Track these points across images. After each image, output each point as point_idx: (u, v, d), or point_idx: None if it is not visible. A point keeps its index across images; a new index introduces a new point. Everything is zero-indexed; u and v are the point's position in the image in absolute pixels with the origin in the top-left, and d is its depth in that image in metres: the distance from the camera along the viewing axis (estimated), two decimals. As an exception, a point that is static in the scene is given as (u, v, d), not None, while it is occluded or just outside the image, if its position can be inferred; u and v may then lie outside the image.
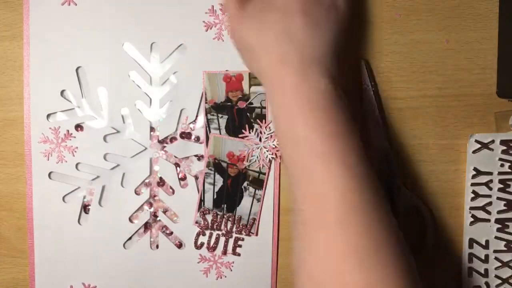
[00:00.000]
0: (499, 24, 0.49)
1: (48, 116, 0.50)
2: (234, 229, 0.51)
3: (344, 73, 0.43)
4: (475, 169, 0.50)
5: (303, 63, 0.40)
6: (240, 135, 0.51)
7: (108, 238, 0.51)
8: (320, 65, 0.40)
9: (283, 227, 0.52)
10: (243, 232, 0.51)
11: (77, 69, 0.50)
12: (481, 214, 0.51)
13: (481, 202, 0.51)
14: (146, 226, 0.52)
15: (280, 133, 0.42)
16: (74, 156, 0.50)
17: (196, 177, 0.51)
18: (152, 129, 0.51)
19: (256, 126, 0.51)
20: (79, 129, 0.51)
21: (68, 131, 0.50)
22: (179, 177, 0.51)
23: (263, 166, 0.51)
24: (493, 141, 0.50)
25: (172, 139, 0.51)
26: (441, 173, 0.51)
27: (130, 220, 0.51)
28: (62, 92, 0.50)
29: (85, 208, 0.51)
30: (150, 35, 0.50)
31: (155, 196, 0.52)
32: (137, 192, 0.51)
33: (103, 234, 0.51)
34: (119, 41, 0.50)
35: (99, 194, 0.51)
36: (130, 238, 0.52)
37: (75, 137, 0.50)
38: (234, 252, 0.52)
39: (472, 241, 0.51)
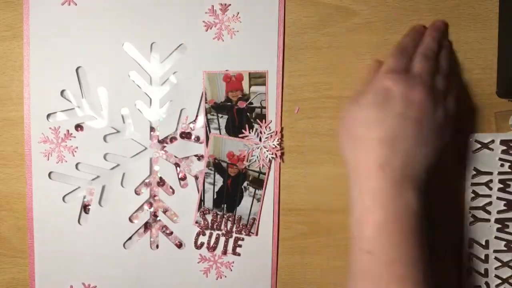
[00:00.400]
0: (499, 24, 0.49)
1: (48, 116, 0.50)
2: (234, 229, 0.51)
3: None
4: (475, 169, 0.50)
5: (401, 175, 0.40)
6: (240, 135, 0.51)
7: (108, 238, 0.51)
8: (415, 180, 0.41)
9: (283, 227, 0.52)
10: (243, 232, 0.51)
11: (77, 69, 0.50)
12: (481, 214, 0.51)
13: (481, 202, 0.51)
14: (146, 226, 0.52)
15: (357, 231, 0.42)
16: (74, 156, 0.50)
17: (196, 177, 0.51)
18: (152, 129, 0.51)
19: (256, 126, 0.51)
20: (79, 129, 0.51)
21: (68, 131, 0.50)
22: (179, 177, 0.51)
23: (263, 166, 0.51)
24: (493, 141, 0.50)
25: (172, 139, 0.51)
26: (441, 173, 0.51)
27: (130, 220, 0.51)
28: (62, 92, 0.50)
29: (85, 208, 0.51)
30: (150, 35, 0.50)
31: (155, 196, 0.52)
32: (137, 192, 0.51)
33: (103, 234, 0.51)
34: (119, 41, 0.50)
35: (99, 194, 0.51)
36: (130, 238, 0.52)
37: (75, 137, 0.50)
38: (234, 252, 0.52)
39: (472, 241, 0.51)
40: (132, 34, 0.50)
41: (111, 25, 0.50)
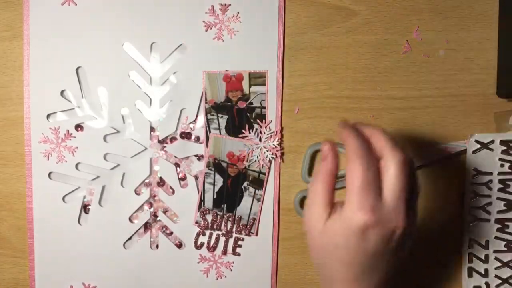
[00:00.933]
0: (499, 24, 0.49)
1: (48, 116, 0.50)
2: (234, 229, 0.51)
3: None
4: (475, 169, 0.50)
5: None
6: (240, 135, 0.51)
7: (108, 238, 0.51)
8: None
9: (283, 227, 0.52)
10: (243, 232, 0.51)
11: (77, 69, 0.50)
12: (481, 214, 0.51)
13: (481, 202, 0.51)
14: (146, 226, 0.52)
15: None
16: (74, 156, 0.50)
17: (196, 177, 0.51)
18: (152, 129, 0.51)
19: (256, 126, 0.51)
20: (79, 129, 0.51)
21: (68, 131, 0.50)
22: (179, 177, 0.51)
23: (263, 166, 0.51)
24: (493, 141, 0.50)
25: (172, 139, 0.51)
26: (441, 173, 0.51)
27: (130, 220, 0.51)
28: (62, 92, 0.50)
29: (85, 208, 0.51)
30: (150, 35, 0.50)
31: (155, 196, 0.52)
32: (137, 192, 0.51)
33: (103, 234, 0.51)
34: (119, 41, 0.50)
35: (99, 194, 0.51)
36: (130, 238, 0.52)
37: (75, 137, 0.50)
38: (234, 252, 0.52)
39: (472, 241, 0.51)
40: (132, 34, 0.50)
41: (111, 25, 0.50)
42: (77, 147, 0.50)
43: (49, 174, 0.51)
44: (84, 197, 0.51)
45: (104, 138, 0.51)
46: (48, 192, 0.51)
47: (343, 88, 0.51)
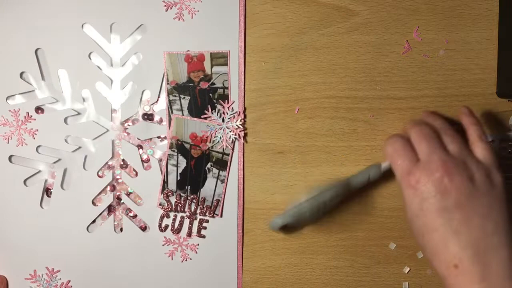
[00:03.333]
0: (499, 24, 0.49)
1: (7, 98, 0.50)
2: (198, 211, 0.51)
3: None
4: None
5: (482, 265, 0.36)
6: (202, 116, 0.50)
7: (71, 221, 0.51)
8: (501, 262, 0.37)
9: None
10: (207, 213, 0.51)
11: (36, 51, 0.50)
12: None
13: None
14: (110, 209, 0.51)
15: None
16: (34, 139, 0.50)
17: (160, 159, 0.51)
18: (113, 110, 0.51)
19: (218, 106, 0.50)
20: (39, 111, 0.50)
21: (28, 113, 0.50)
22: (142, 159, 0.51)
23: (226, 147, 0.51)
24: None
25: (134, 120, 0.51)
26: None
27: (93, 203, 0.51)
28: (21, 74, 0.50)
29: (47, 191, 0.51)
30: (109, 16, 0.50)
31: (118, 178, 0.51)
32: (99, 175, 0.51)
33: (66, 217, 0.51)
34: (78, 22, 0.49)
35: (61, 177, 0.51)
36: (93, 221, 0.51)
37: (35, 119, 0.50)
38: (199, 234, 0.51)
39: None
40: (91, 15, 0.49)
41: (70, 6, 0.49)
42: (37, 130, 0.50)
43: (9, 157, 0.50)
44: (46, 180, 0.51)
45: (65, 120, 0.50)
46: (8, 176, 0.50)
47: (343, 88, 0.50)
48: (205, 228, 0.51)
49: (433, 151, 0.41)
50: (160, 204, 0.51)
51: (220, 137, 0.50)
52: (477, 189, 0.39)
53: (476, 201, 0.38)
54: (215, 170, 0.51)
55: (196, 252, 0.51)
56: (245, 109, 0.51)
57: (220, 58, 0.50)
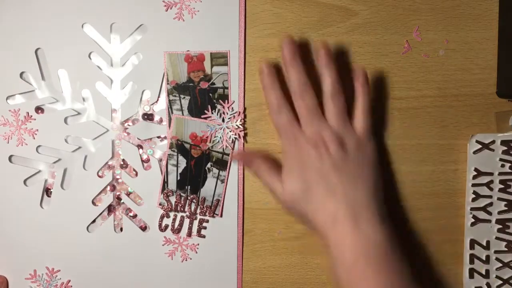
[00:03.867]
0: (499, 24, 0.49)
1: (7, 98, 0.50)
2: (198, 211, 0.51)
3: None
4: (475, 169, 0.50)
5: (354, 216, 0.43)
6: (202, 116, 0.50)
7: (71, 221, 0.51)
8: (370, 212, 0.44)
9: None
10: (207, 213, 0.51)
11: (36, 51, 0.50)
12: (482, 215, 0.50)
13: (482, 202, 0.50)
14: (110, 209, 0.51)
15: (340, 284, 0.43)
16: (34, 138, 0.50)
17: (160, 159, 0.51)
18: (113, 110, 0.51)
19: (218, 106, 0.50)
20: (39, 111, 0.50)
21: (28, 113, 0.50)
22: (142, 159, 0.51)
23: (226, 146, 0.51)
24: (493, 142, 0.50)
25: (134, 120, 0.51)
26: (441, 173, 0.51)
27: (93, 203, 0.51)
28: (21, 74, 0.50)
29: (47, 191, 0.51)
30: (109, 16, 0.50)
31: (118, 178, 0.51)
32: (99, 175, 0.51)
33: (66, 217, 0.51)
34: (78, 22, 0.49)
35: (61, 177, 0.51)
36: (93, 221, 0.51)
37: (35, 119, 0.50)
38: (199, 234, 0.51)
39: (473, 242, 0.50)
40: (91, 15, 0.49)
41: (70, 6, 0.49)
42: (37, 130, 0.50)
43: (10, 157, 0.50)
44: (46, 180, 0.51)
45: (65, 120, 0.50)
46: (8, 176, 0.50)
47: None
48: (205, 228, 0.51)
49: (315, 125, 0.46)
50: (160, 204, 0.51)
51: (220, 137, 0.50)
52: (348, 155, 0.45)
53: (348, 165, 0.45)
54: (215, 170, 0.51)
55: (196, 252, 0.51)
56: (245, 109, 0.51)
57: (220, 58, 0.50)
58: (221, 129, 0.50)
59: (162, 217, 0.51)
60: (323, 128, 0.46)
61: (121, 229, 0.51)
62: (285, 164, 0.46)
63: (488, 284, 0.51)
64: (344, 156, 0.45)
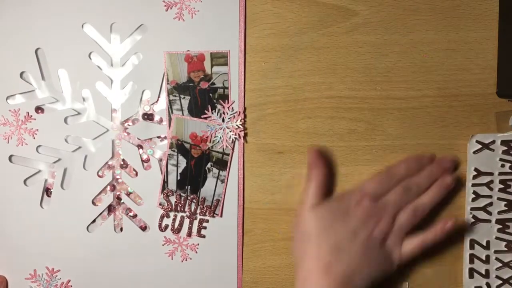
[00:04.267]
0: (499, 24, 0.49)
1: (7, 98, 0.50)
2: (198, 211, 0.51)
3: None
4: (475, 169, 0.50)
5: (343, 281, 0.44)
6: (202, 116, 0.50)
7: (71, 221, 0.51)
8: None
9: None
10: (207, 213, 0.51)
11: (36, 51, 0.50)
12: (481, 215, 0.50)
13: (481, 202, 0.50)
14: (110, 209, 0.51)
15: None
16: (34, 138, 0.50)
17: (160, 159, 0.51)
18: (113, 110, 0.51)
19: (218, 106, 0.50)
20: (39, 111, 0.50)
21: (28, 113, 0.50)
22: (142, 158, 0.51)
23: (226, 146, 0.51)
24: (493, 142, 0.50)
25: (134, 120, 0.51)
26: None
27: (93, 203, 0.51)
28: (21, 74, 0.50)
29: (47, 191, 0.51)
30: (110, 16, 0.50)
31: (118, 178, 0.51)
32: (99, 175, 0.51)
33: (66, 217, 0.51)
34: (78, 22, 0.49)
35: (61, 177, 0.51)
36: (93, 221, 0.51)
37: (35, 119, 0.50)
38: (199, 234, 0.51)
39: (473, 242, 0.50)
40: (91, 14, 0.49)
41: (70, 5, 0.49)
42: (37, 130, 0.50)
43: (10, 157, 0.50)
44: (46, 180, 0.51)
45: (65, 120, 0.50)
46: (8, 176, 0.50)
47: (343, 88, 0.50)
48: (205, 228, 0.51)
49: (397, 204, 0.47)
50: (160, 204, 0.51)
51: (220, 137, 0.50)
52: (379, 252, 0.46)
53: (371, 255, 0.46)
54: (215, 170, 0.51)
55: (196, 252, 0.51)
56: (245, 109, 0.51)
57: (220, 58, 0.50)
58: (221, 129, 0.50)
59: (162, 217, 0.51)
60: (385, 218, 0.46)
61: (121, 229, 0.51)
62: (331, 203, 0.47)
63: (488, 284, 0.51)
64: (377, 246, 0.46)
